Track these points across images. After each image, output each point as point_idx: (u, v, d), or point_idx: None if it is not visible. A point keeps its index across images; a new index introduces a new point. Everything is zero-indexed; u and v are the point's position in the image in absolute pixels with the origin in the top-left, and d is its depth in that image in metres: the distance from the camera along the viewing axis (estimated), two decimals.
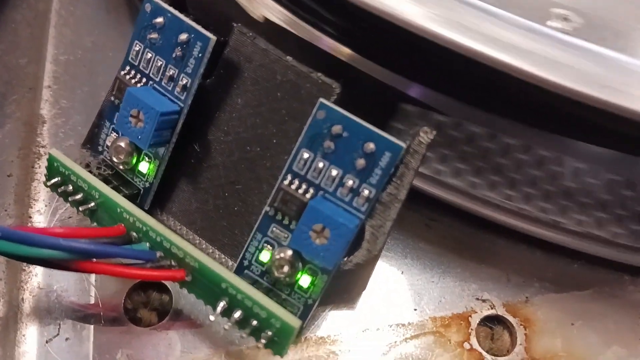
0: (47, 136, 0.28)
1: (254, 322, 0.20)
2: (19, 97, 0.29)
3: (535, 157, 0.24)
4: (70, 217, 0.26)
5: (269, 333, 0.20)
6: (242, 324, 0.21)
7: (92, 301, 0.24)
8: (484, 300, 0.25)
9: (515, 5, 0.22)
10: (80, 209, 0.23)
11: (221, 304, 0.21)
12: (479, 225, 0.26)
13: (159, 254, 0.21)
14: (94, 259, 0.21)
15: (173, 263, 0.21)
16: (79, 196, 0.23)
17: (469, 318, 0.24)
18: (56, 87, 0.29)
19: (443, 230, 0.26)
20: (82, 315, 0.24)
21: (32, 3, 0.33)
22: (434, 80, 0.24)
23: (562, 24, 0.23)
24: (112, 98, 0.24)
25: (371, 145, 0.20)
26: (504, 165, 0.25)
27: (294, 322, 0.20)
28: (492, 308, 0.24)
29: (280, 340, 0.20)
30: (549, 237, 0.25)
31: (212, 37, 0.21)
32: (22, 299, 0.24)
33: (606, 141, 0.23)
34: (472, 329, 0.24)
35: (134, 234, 0.22)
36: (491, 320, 0.24)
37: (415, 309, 0.24)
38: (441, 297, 0.25)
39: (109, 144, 0.24)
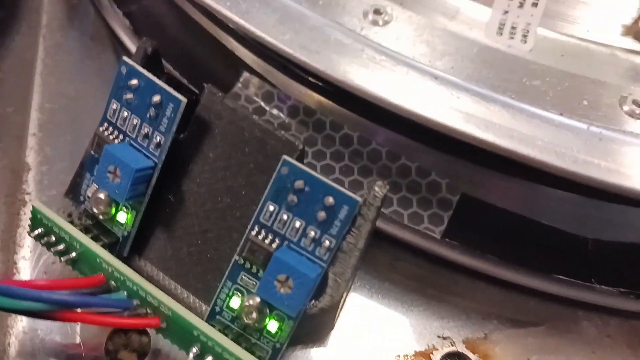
0: (32, 183, 0.29)
1: None
2: (5, 145, 0.31)
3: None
4: (53, 263, 0.27)
5: None
6: None
7: (75, 344, 0.25)
8: (444, 338, 0.26)
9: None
10: (63, 259, 0.24)
11: (194, 350, 0.22)
12: (440, 264, 0.27)
13: (135, 302, 0.23)
14: (75, 309, 0.22)
15: (149, 311, 0.23)
16: (61, 247, 0.24)
17: (431, 355, 0.26)
18: (41, 135, 0.31)
19: (407, 269, 0.28)
20: (66, 358, 0.25)
21: (19, 52, 0.34)
22: None
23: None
24: (92, 152, 0.25)
25: (330, 199, 0.21)
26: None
27: None
28: (452, 345, 0.26)
29: None
30: (506, 275, 0.27)
31: (183, 99, 0.23)
32: (8, 343, 0.25)
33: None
34: None
35: (113, 282, 0.23)
36: (452, 357, 0.26)
37: (380, 348, 0.26)
38: (404, 335, 0.26)
39: (89, 194, 0.25)
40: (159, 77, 0.24)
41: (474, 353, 0.26)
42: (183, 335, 0.22)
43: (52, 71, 0.34)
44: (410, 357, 0.25)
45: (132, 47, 0.34)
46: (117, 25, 0.34)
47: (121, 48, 0.35)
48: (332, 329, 0.26)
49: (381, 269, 0.28)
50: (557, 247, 0.27)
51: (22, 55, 0.34)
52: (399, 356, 0.25)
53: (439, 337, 0.26)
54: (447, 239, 0.27)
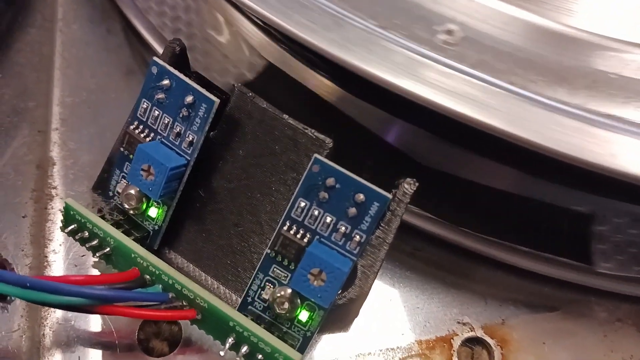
0: (58, 177, 0.30)
1: (260, 356, 0.23)
2: (29, 140, 0.31)
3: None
4: (83, 256, 0.28)
5: None
6: (249, 357, 0.23)
7: (107, 333, 0.26)
8: (464, 324, 0.27)
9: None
10: (97, 254, 0.25)
11: (230, 340, 0.23)
12: (459, 253, 0.28)
13: (170, 295, 0.24)
14: (113, 304, 0.23)
15: (184, 303, 0.23)
16: (94, 242, 0.25)
17: (451, 340, 0.27)
18: (64, 129, 0.31)
19: (427, 259, 0.29)
20: (99, 347, 0.26)
21: (36, 47, 0.34)
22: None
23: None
24: (122, 149, 0.26)
25: (361, 196, 0.22)
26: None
27: (295, 355, 0.22)
28: (471, 330, 0.27)
29: None
30: (522, 264, 0.28)
31: (216, 100, 0.23)
32: (43, 334, 0.26)
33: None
34: (454, 350, 0.26)
35: (147, 276, 0.24)
36: (471, 342, 0.27)
37: (403, 334, 0.27)
38: (426, 322, 0.27)
39: (119, 190, 0.26)
40: (188, 76, 0.24)
41: (492, 338, 0.27)
42: (219, 326, 0.23)
43: (70, 64, 0.34)
44: (432, 342, 0.27)
45: (149, 38, 0.34)
46: (133, 17, 0.35)
47: (136, 38, 0.35)
48: (356, 316, 0.27)
49: (403, 258, 0.29)
50: (572, 233, 0.28)
51: (40, 50, 0.34)
52: (420, 341, 0.27)
53: (458, 322, 0.27)
54: (466, 229, 0.28)
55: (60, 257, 0.28)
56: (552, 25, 0.26)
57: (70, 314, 0.27)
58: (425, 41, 0.24)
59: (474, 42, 0.25)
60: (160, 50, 0.33)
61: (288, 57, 0.29)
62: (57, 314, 0.26)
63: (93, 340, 0.26)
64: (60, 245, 0.28)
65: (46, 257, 0.28)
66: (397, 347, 0.26)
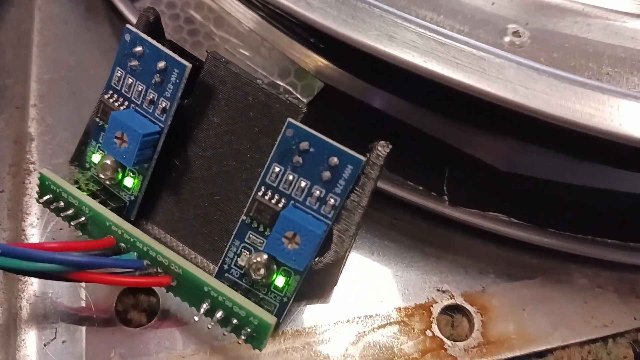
0: (36, 153, 0.30)
1: (235, 321, 0.23)
2: (7, 116, 0.31)
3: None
4: (61, 229, 0.28)
5: (248, 330, 0.22)
6: (223, 322, 0.23)
7: (85, 305, 0.26)
8: (444, 291, 0.27)
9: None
10: (72, 223, 0.25)
11: (204, 306, 0.23)
12: (438, 222, 0.28)
13: (145, 262, 0.23)
14: (87, 270, 0.23)
15: (159, 270, 0.23)
16: (70, 211, 0.25)
17: (431, 308, 0.27)
18: (42, 106, 0.31)
19: (406, 228, 0.29)
20: (77, 319, 0.26)
21: (15, 24, 0.34)
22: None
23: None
24: (97, 119, 0.26)
25: (335, 160, 0.22)
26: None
27: (270, 319, 0.22)
28: (451, 298, 0.27)
29: (258, 336, 0.23)
30: (501, 230, 0.28)
31: (188, 65, 0.23)
32: (20, 306, 0.26)
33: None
34: (433, 318, 0.26)
35: (122, 244, 0.24)
36: (451, 309, 0.27)
37: (381, 301, 0.27)
38: (405, 290, 0.27)
39: (95, 161, 0.26)
40: (162, 44, 0.24)
41: (472, 305, 0.27)
42: (193, 292, 0.23)
43: (49, 42, 0.34)
44: (411, 309, 0.27)
45: (129, 14, 0.34)
46: None
47: (116, 16, 0.35)
48: (335, 284, 0.27)
49: (381, 227, 0.28)
50: (548, 200, 0.28)
51: (18, 27, 0.34)
52: (399, 309, 0.27)
53: (438, 290, 0.27)
54: (445, 198, 0.28)
55: (38, 231, 0.28)
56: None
57: (47, 286, 0.26)
58: (494, 45, 0.24)
59: (541, 41, 0.26)
60: None
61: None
62: (34, 286, 0.26)
63: (71, 313, 0.26)
64: (37, 219, 0.28)
65: (23, 230, 0.28)
66: (376, 315, 0.26)
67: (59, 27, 0.34)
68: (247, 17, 0.31)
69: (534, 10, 0.28)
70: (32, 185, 0.29)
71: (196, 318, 0.23)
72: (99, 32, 0.35)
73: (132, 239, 0.24)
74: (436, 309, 0.27)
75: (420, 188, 0.28)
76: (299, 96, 0.29)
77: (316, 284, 0.25)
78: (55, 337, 0.25)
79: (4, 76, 0.32)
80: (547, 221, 0.28)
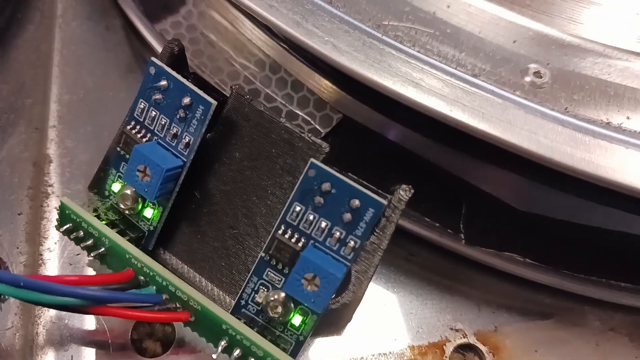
0: (54, 175, 0.30)
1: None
2: (26, 137, 0.31)
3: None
4: (78, 254, 0.28)
5: None
6: None
7: (101, 332, 0.26)
8: (457, 330, 0.27)
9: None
10: (92, 254, 0.25)
11: (222, 343, 0.23)
12: (453, 259, 0.28)
13: (164, 296, 0.24)
14: (106, 304, 0.23)
15: (177, 305, 0.23)
16: (89, 242, 0.25)
17: (444, 346, 0.27)
18: (61, 127, 0.31)
19: (422, 263, 0.29)
20: (92, 346, 0.26)
21: (34, 44, 0.34)
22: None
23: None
24: (118, 149, 0.26)
25: (356, 202, 0.22)
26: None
27: None
28: (464, 337, 0.27)
29: None
30: (516, 271, 0.28)
31: (213, 102, 0.23)
32: (37, 332, 0.26)
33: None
34: (446, 357, 0.26)
35: (142, 277, 0.24)
36: (464, 348, 0.27)
37: (395, 339, 0.27)
38: (419, 327, 0.27)
39: (115, 190, 0.26)
40: (185, 77, 0.24)
41: (484, 345, 0.27)
42: (211, 329, 0.23)
43: (69, 62, 0.34)
44: (424, 347, 0.27)
45: (148, 36, 0.34)
46: (133, 15, 0.35)
47: (136, 37, 0.35)
48: (349, 320, 0.27)
49: (397, 262, 0.29)
50: (564, 240, 0.28)
51: (38, 46, 0.34)
52: (413, 347, 0.27)
53: (451, 329, 0.27)
54: (461, 236, 0.28)
55: (55, 256, 0.28)
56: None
57: (64, 313, 0.26)
58: (515, 85, 0.24)
59: (562, 82, 0.26)
60: (159, 49, 0.33)
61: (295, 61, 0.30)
62: (51, 312, 0.26)
63: (86, 340, 0.26)
64: (55, 243, 0.28)
65: (41, 255, 0.28)
66: (390, 352, 0.26)
67: (79, 47, 0.34)
68: (268, 45, 0.32)
69: (555, 49, 0.28)
70: (50, 208, 0.29)
71: (214, 356, 0.23)
72: (118, 52, 0.35)
73: (151, 273, 0.24)
74: (449, 348, 0.27)
75: (437, 225, 0.28)
76: (318, 133, 0.29)
77: (331, 320, 0.25)
78: None
79: (23, 96, 0.32)
80: (562, 262, 0.28)
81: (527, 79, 0.27)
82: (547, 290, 0.28)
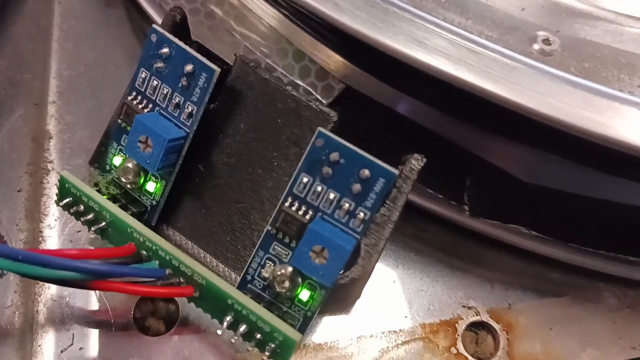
0: (54, 151, 0.29)
1: (259, 336, 0.22)
2: (25, 113, 0.30)
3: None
4: (79, 231, 0.27)
5: (272, 345, 0.22)
6: (247, 336, 0.22)
7: (103, 311, 0.26)
8: (469, 307, 0.26)
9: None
10: (92, 228, 0.24)
11: (228, 319, 0.22)
12: (465, 235, 0.28)
13: (167, 271, 0.23)
14: (108, 279, 0.22)
15: (181, 280, 0.23)
16: (90, 216, 0.24)
17: (456, 324, 0.26)
18: (61, 103, 0.31)
19: (432, 240, 0.28)
20: (94, 325, 0.25)
21: (34, 18, 0.33)
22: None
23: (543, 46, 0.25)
24: (119, 121, 0.25)
25: (366, 172, 0.21)
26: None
27: (295, 335, 0.22)
28: (477, 314, 0.26)
29: (282, 352, 0.22)
30: (530, 246, 0.27)
31: (217, 69, 0.22)
32: (37, 310, 0.25)
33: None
34: (458, 335, 0.26)
35: (144, 252, 0.23)
36: (476, 326, 0.26)
37: (406, 316, 0.26)
38: (430, 305, 0.26)
39: (116, 163, 0.25)
40: (188, 45, 0.23)
41: (498, 323, 0.26)
42: (216, 304, 0.22)
43: (68, 37, 0.33)
44: (436, 325, 0.26)
45: (150, 10, 0.33)
46: None
47: (137, 12, 0.34)
48: (358, 297, 0.26)
49: (406, 239, 0.28)
50: (572, 214, 0.28)
51: (37, 21, 0.34)
52: (424, 325, 0.26)
53: (464, 306, 0.26)
54: (472, 210, 0.27)
55: (56, 233, 0.27)
56: None
57: (65, 290, 0.26)
58: (524, 52, 0.23)
59: (572, 50, 0.25)
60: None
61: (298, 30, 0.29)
62: (52, 290, 0.26)
63: (88, 318, 0.26)
64: (55, 220, 0.27)
65: (41, 232, 0.27)
66: (400, 330, 0.26)
67: (79, 21, 0.34)
68: (269, 15, 0.31)
69: (565, 17, 0.27)
70: (50, 185, 0.28)
71: (219, 331, 0.22)
72: (120, 27, 0.34)
73: (154, 247, 0.23)
74: (461, 326, 0.26)
75: (440, 196, 0.27)
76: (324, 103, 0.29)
77: (340, 297, 0.25)
78: (72, 344, 0.25)
79: (23, 71, 0.32)
80: (570, 236, 0.27)
81: (536, 46, 0.26)
82: (560, 267, 0.27)
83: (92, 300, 0.26)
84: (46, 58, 0.32)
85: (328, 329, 0.26)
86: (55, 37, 0.33)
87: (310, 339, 0.25)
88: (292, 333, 0.22)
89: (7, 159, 0.29)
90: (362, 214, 0.22)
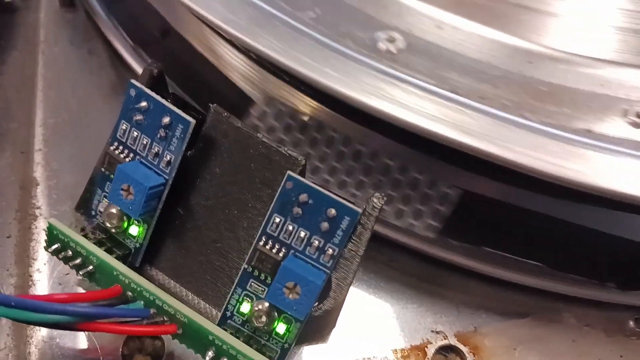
0: (41, 198, 0.31)
1: None
2: (12, 161, 0.32)
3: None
4: (67, 274, 0.28)
5: None
6: None
7: (92, 350, 0.27)
8: (438, 332, 0.28)
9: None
10: (80, 272, 0.25)
11: (210, 354, 0.24)
12: (432, 263, 0.29)
13: (152, 311, 0.24)
14: (96, 320, 0.24)
15: (165, 319, 0.24)
16: (78, 260, 0.25)
17: (426, 349, 0.28)
18: (47, 150, 0.32)
19: (401, 269, 0.30)
20: None
21: (18, 68, 0.35)
22: None
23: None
24: (103, 169, 0.27)
25: (333, 211, 0.23)
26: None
27: None
28: (445, 338, 0.28)
29: None
30: (493, 272, 0.29)
31: (192, 120, 0.24)
32: (29, 352, 0.27)
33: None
34: (428, 358, 0.27)
35: (129, 293, 0.25)
36: (445, 349, 0.28)
37: (378, 344, 0.28)
38: (401, 331, 0.28)
39: (101, 209, 0.27)
40: (165, 98, 0.25)
41: (465, 345, 0.28)
42: (199, 340, 0.24)
43: (52, 86, 0.35)
44: (407, 350, 0.28)
45: (130, 59, 0.35)
46: (114, 38, 0.36)
47: (118, 61, 0.36)
48: (333, 327, 0.27)
49: (377, 268, 0.30)
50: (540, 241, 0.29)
51: (22, 71, 0.35)
52: (396, 350, 0.28)
53: (432, 331, 0.28)
54: (439, 239, 0.29)
55: (45, 276, 0.28)
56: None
57: (55, 332, 0.27)
58: (368, 48, 0.25)
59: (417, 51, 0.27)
60: (140, 71, 0.34)
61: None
62: (43, 332, 0.27)
63: (78, 357, 0.27)
64: (44, 264, 0.29)
65: (31, 276, 0.28)
66: (373, 357, 0.27)
67: (62, 71, 0.35)
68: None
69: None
70: (39, 230, 0.30)
71: None
72: (101, 75, 0.36)
73: (138, 288, 0.24)
74: (431, 350, 0.28)
75: (414, 229, 0.29)
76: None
77: (316, 328, 0.26)
78: None
79: (8, 120, 0.33)
80: (532, 256, 0.29)
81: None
82: (522, 290, 0.29)
83: (81, 340, 0.27)
84: (31, 107, 0.34)
85: (306, 358, 0.27)
86: (40, 87, 0.34)
87: None
88: None
89: None
90: (330, 250, 0.24)
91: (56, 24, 0.37)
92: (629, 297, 0.29)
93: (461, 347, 0.28)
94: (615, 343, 0.28)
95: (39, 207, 0.30)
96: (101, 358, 0.27)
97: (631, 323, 0.29)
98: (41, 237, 0.29)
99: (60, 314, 0.23)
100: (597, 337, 0.28)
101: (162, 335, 0.27)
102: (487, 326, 0.28)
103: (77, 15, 0.38)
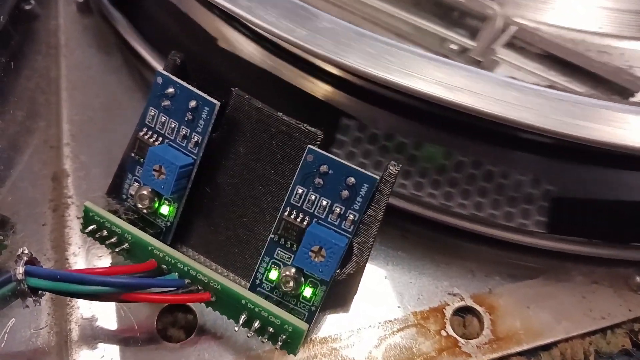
0: (72, 188, 0.32)
1: (270, 329, 0.25)
2: (44, 156, 0.34)
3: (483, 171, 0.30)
4: (100, 256, 0.30)
5: (283, 336, 0.25)
6: (260, 331, 0.25)
7: (129, 326, 0.29)
8: (454, 295, 0.30)
9: None
10: (116, 250, 0.27)
11: (242, 317, 0.25)
12: (445, 231, 0.31)
13: (187, 281, 0.26)
14: (136, 291, 0.25)
15: (199, 287, 0.26)
16: (113, 239, 0.27)
17: (444, 310, 0.29)
18: (74, 144, 0.34)
19: (416, 239, 0.31)
20: (122, 338, 0.28)
21: (43, 72, 0.37)
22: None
23: None
24: (133, 154, 0.28)
25: (352, 180, 0.25)
26: (458, 179, 0.30)
27: (303, 325, 0.25)
28: (462, 300, 0.30)
29: (292, 341, 0.25)
30: (503, 236, 0.30)
31: (217, 102, 0.26)
32: (70, 329, 0.28)
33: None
34: (446, 319, 0.29)
35: (164, 266, 0.26)
36: (462, 311, 0.30)
37: (399, 307, 0.29)
38: (419, 295, 0.30)
39: (132, 192, 0.29)
40: (189, 83, 0.27)
41: (481, 306, 0.29)
42: (231, 306, 0.26)
43: (76, 86, 0.37)
44: (426, 312, 0.29)
45: (148, 56, 0.37)
46: (131, 38, 0.38)
47: (135, 60, 0.38)
48: (355, 294, 0.29)
49: (394, 239, 0.31)
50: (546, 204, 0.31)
51: (47, 74, 0.37)
52: (415, 313, 0.29)
53: (449, 294, 0.30)
54: (449, 207, 0.30)
55: (81, 259, 0.30)
56: None
57: (93, 309, 0.29)
58: None
59: None
60: (158, 67, 0.36)
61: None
62: (82, 310, 0.29)
63: (116, 332, 0.28)
64: (79, 248, 0.30)
65: (67, 259, 0.30)
66: (395, 319, 0.29)
67: (84, 72, 0.37)
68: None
69: None
70: (72, 217, 0.31)
71: (236, 328, 0.25)
72: (119, 74, 0.38)
73: (173, 261, 0.26)
74: (448, 311, 0.29)
75: (427, 200, 0.31)
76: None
77: (339, 294, 0.28)
78: (103, 356, 0.28)
79: (37, 120, 0.35)
80: (542, 224, 0.30)
81: None
82: (532, 252, 0.31)
83: (118, 316, 0.29)
84: (58, 106, 0.36)
85: (331, 324, 0.29)
86: (64, 87, 0.36)
87: (316, 334, 0.28)
88: (300, 323, 0.25)
89: (32, 197, 0.32)
90: (351, 216, 0.25)
91: (75, 28, 0.40)
92: (632, 252, 0.30)
93: (477, 307, 0.29)
94: (622, 297, 0.30)
95: (70, 197, 0.32)
96: (138, 332, 0.28)
97: (638, 278, 0.30)
98: (74, 224, 0.31)
99: (102, 285, 0.25)
100: (605, 292, 0.30)
101: (194, 309, 0.29)
102: (500, 287, 0.30)
103: (94, 19, 0.40)
